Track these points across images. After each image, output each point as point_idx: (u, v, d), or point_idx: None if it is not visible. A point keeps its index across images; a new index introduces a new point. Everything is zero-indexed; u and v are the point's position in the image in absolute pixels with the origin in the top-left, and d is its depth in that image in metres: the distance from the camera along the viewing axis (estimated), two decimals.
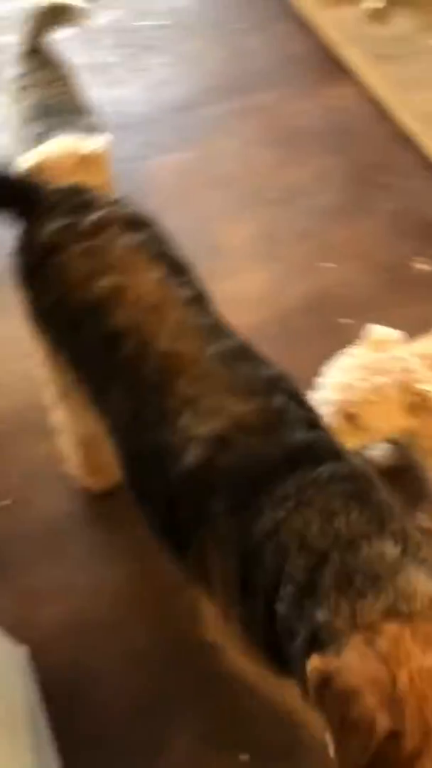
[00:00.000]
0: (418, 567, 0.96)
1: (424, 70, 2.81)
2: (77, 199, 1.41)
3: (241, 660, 1.24)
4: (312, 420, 1.23)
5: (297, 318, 2.28)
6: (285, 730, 1.51)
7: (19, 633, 1.61)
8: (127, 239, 1.35)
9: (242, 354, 1.27)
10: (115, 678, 1.65)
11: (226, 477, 1.12)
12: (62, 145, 2.02)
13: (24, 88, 2.26)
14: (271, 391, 1.20)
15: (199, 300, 1.35)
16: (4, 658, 1.53)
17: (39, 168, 1.96)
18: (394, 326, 1.60)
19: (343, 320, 2.23)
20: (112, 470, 1.72)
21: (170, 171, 2.67)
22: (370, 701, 0.83)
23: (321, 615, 0.94)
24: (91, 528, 1.86)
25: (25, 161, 1.98)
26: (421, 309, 2.22)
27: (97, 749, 1.56)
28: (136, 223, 1.40)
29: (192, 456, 1.14)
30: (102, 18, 3.14)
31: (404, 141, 2.74)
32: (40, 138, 2.08)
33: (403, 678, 0.84)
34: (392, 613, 0.90)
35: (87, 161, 2.01)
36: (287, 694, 1.16)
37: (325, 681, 0.87)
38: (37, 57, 2.31)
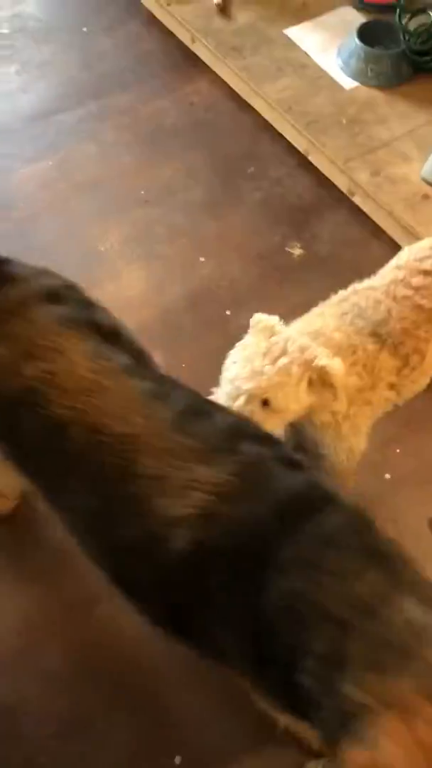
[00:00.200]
0: None
1: (271, 60, 2.86)
2: None
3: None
4: (287, 457, 1.15)
5: (181, 315, 2.28)
6: (214, 730, 1.52)
7: None
8: (48, 315, 1.23)
9: (194, 410, 1.18)
10: (38, 704, 1.60)
11: (220, 556, 1.04)
12: None
13: None
14: (236, 442, 1.13)
15: (137, 362, 1.25)
16: None
17: None
18: (277, 312, 1.62)
19: (226, 312, 2.25)
20: (11, 493, 1.67)
21: (35, 181, 2.60)
22: None
23: (348, 690, 0.87)
24: None
25: None
26: (299, 292, 2.27)
27: None
28: (55, 294, 1.28)
29: (178, 541, 1.05)
30: None
31: (265, 130, 2.78)
32: None
33: None
34: (425, 689, 0.84)
35: None
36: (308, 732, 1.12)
37: None
38: None
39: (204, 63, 2.96)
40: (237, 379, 1.50)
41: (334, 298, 1.74)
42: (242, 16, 2.99)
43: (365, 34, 2.81)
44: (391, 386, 1.70)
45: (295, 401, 1.52)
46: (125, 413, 1.15)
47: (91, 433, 1.13)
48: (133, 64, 3.00)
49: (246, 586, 1.01)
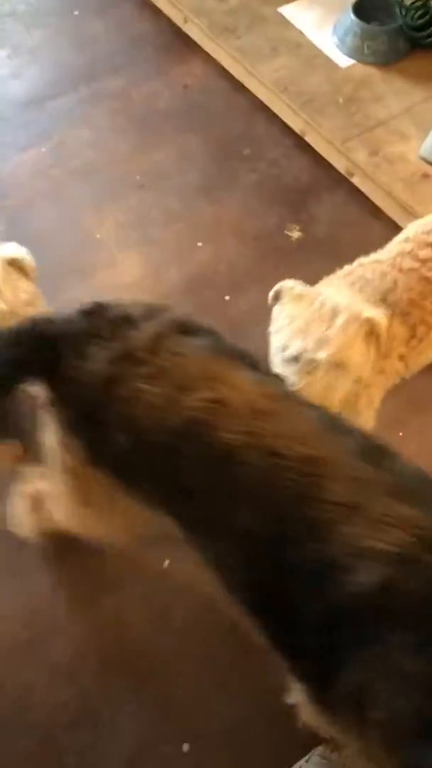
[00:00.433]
0: None
1: (265, 39, 2.82)
2: (110, 318, 1.22)
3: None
4: None
5: (178, 300, 2.25)
6: (222, 718, 1.52)
7: None
8: (192, 346, 1.20)
9: (377, 448, 1.13)
10: (46, 694, 1.60)
11: (411, 606, 0.96)
12: None
13: None
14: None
15: (292, 391, 1.21)
16: None
17: None
18: None
19: (225, 298, 2.23)
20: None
21: (29, 168, 2.57)
22: None
23: None
24: None
25: None
26: (299, 275, 2.23)
27: None
28: (184, 326, 1.24)
29: (365, 574, 0.98)
30: None
31: (260, 111, 2.75)
32: None
33: None
34: None
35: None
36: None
37: None
38: None
39: (197, 44, 2.92)
40: (305, 353, 1.49)
41: (339, 272, 1.76)
42: None
43: (361, 10, 2.77)
44: (401, 357, 1.71)
45: (364, 355, 1.53)
46: (305, 436, 1.10)
47: (266, 455, 1.08)
48: (126, 46, 2.96)
49: (429, 649, 0.94)
